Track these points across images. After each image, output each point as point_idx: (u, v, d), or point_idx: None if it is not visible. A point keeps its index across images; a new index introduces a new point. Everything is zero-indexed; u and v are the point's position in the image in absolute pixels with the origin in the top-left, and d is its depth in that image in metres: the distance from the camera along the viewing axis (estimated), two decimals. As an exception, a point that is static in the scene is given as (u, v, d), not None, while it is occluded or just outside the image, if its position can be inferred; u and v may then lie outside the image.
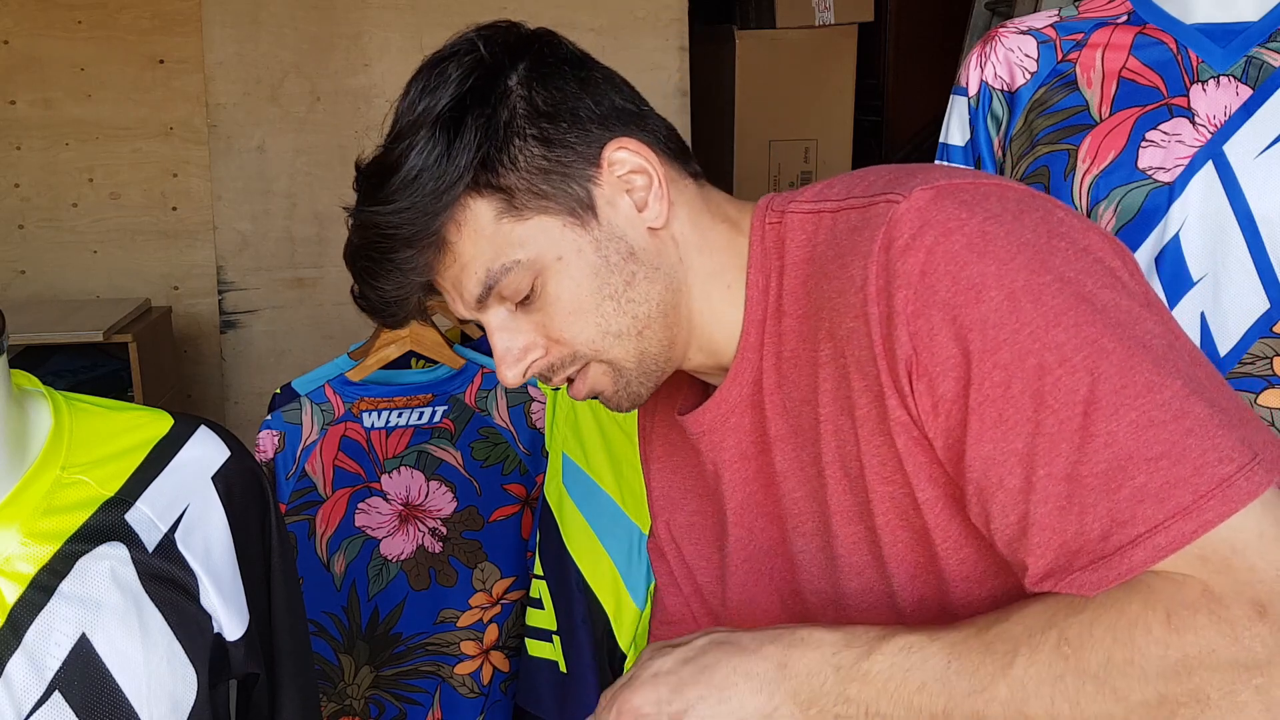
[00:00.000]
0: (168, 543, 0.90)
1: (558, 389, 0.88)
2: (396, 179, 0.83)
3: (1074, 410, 0.70)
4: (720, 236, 0.89)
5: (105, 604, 0.86)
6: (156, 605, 0.88)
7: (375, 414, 1.67)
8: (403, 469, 1.67)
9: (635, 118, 0.87)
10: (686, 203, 0.89)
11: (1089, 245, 0.76)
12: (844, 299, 0.79)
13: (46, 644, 0.83)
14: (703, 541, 1.00)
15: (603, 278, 0.85)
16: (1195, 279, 1.19)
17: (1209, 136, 1.18)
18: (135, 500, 0.89)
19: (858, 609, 0.86)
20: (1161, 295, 1.20)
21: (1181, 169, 1.18)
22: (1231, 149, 1.18)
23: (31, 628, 0.83)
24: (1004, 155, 1.31)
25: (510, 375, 0.87)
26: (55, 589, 0.84)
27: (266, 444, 1.65)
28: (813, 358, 0.83)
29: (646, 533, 1.58)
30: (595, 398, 0.90)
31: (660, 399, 1.02)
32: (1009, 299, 0.72)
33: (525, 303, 0.85)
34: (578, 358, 0.87)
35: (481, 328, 0.90)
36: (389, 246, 0.84)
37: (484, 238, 0.83)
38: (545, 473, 1.63)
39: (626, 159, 0.86)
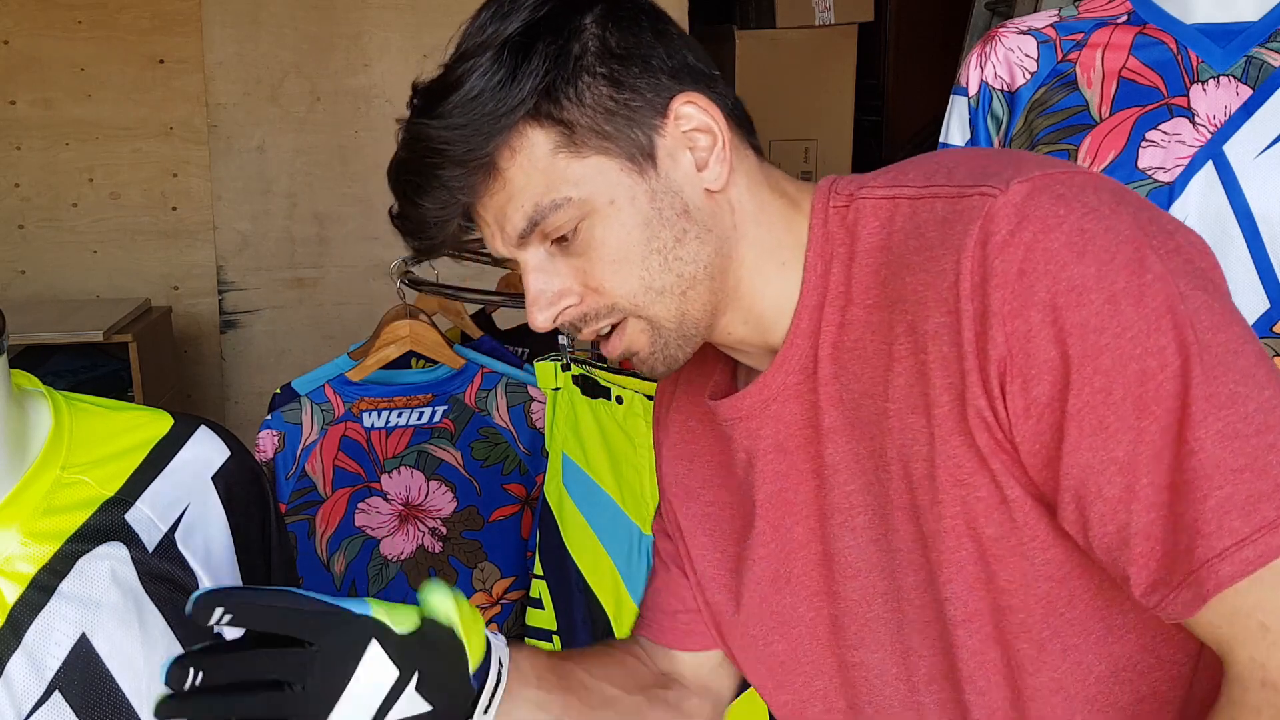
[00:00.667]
0: (168, 542, 0.90)
1: (588, 344, 0.85)
2: (456, 96, 0.80)
3: (1172, 418, 0.69)
4: (777, 212, 0.86)
5: (105, 604, 0.85)
6: (156, 605, 0.88)
7: (375, 414, 1.66)
8: (403, 469, 1.67)
9: (706, 79, 0.85)
10: (747, 171, 0.86)
11: (1179, 245, 0.74)
12: (930, 293, 0.77)
13: (46, 644, 0.83)
14: (718, 533, 0.98)
15: (653, 229, 0.82)
16: (1195, 279, 1.19)
17: (1209, 136, 1.18)
18: (135, 500, 0.89)
19: (912, 604, 0.84)
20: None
21: (1181, 169, 1.18)
22: (1231, 149, 1.18)
23: (31, 628, 0.83)
24: (1004, 155, 1.31)
25: (541, 318, 0.84)
26: (55, 589, 0.84)
27: (266, 444, 1.64)
28: (885, 351, 0.80)
29: (647, 533, 1.58)
30: (630, 358, 0.87)
31: (682, 382, 1.00)
32: (1110, 301, 0.70)
33: (566, 244, 0.82)
34: (615, 310, 0.84)
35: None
36: (437, 163, 0.81)
37: (537, 169, 0.80)
38: (545, 473, 1.63)
39: (693, 115, 0.83)
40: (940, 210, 0.78)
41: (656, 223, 0.82)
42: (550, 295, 0.84)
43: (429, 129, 0.80)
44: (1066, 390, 0.71)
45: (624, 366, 0.89)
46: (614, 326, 0.85)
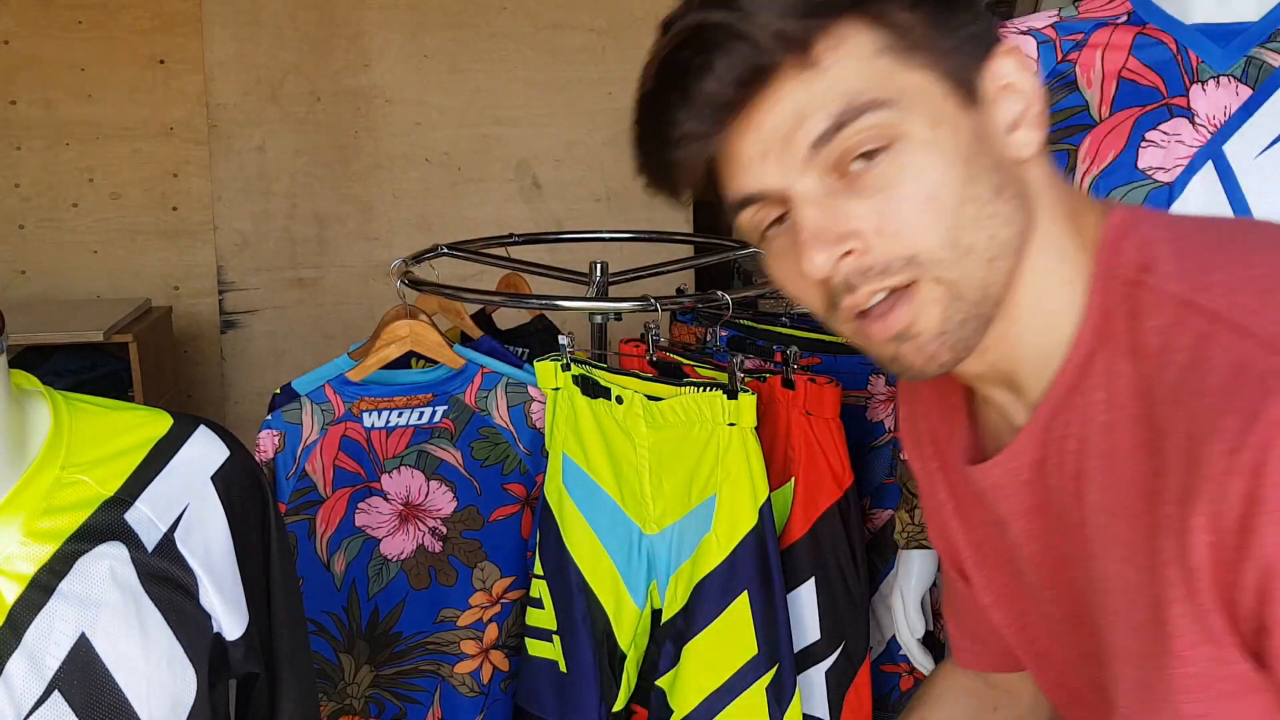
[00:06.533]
0: (167, 542, 0.90)
1: (859, 316, 0.73)
2: None
3: None
4: (1067, 219, 0.74)
5: (105, 603, 0.85)
6: (156, 605, 0.88)
7: (375, 414, 1.66)
8: (403, 469, 1.67)
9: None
10: (1045, 159, 0.75)
11: None
12: (1199, 448, 0.65)
13: (46, 643, 0.83)
14: (990, 567, 0.90)
15: (973, 172, 0.69)
16: (1195, 279, 1.19)
17: (1209, 136, 1.18)
18: (135, 500, 0.89)
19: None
20: (1161, 295, 1.20)
21: (1181, 169, 1.18)
22: (1231, 149, 1.17)
23: (31, 627, 0.83)
24: (1004, 155, 1.31)
25: (820, 259, 0.68)
26: (55, 588, 0.84)
27: (267, 444, 1.64)
28: (1146, 477, 0.69)
29: (647, 532, 1.58)
30: (898, 341, 0.72)
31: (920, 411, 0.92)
32: None
33: (857, 178, 0.68)
34: (912, 265, 0.69)
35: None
36: (750, 27, 0.67)
37: (858, 64, 0.68)
38: (545, 473, 1.63)
39: (1012, 71, 0.72)
40: (1238, 354, 0.65)
41: (976, 166, 0.69)
42: (835, 233, 0.69)
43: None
44: None
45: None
46: (896, 293, 0.70)
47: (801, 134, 0.68)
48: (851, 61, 0.68)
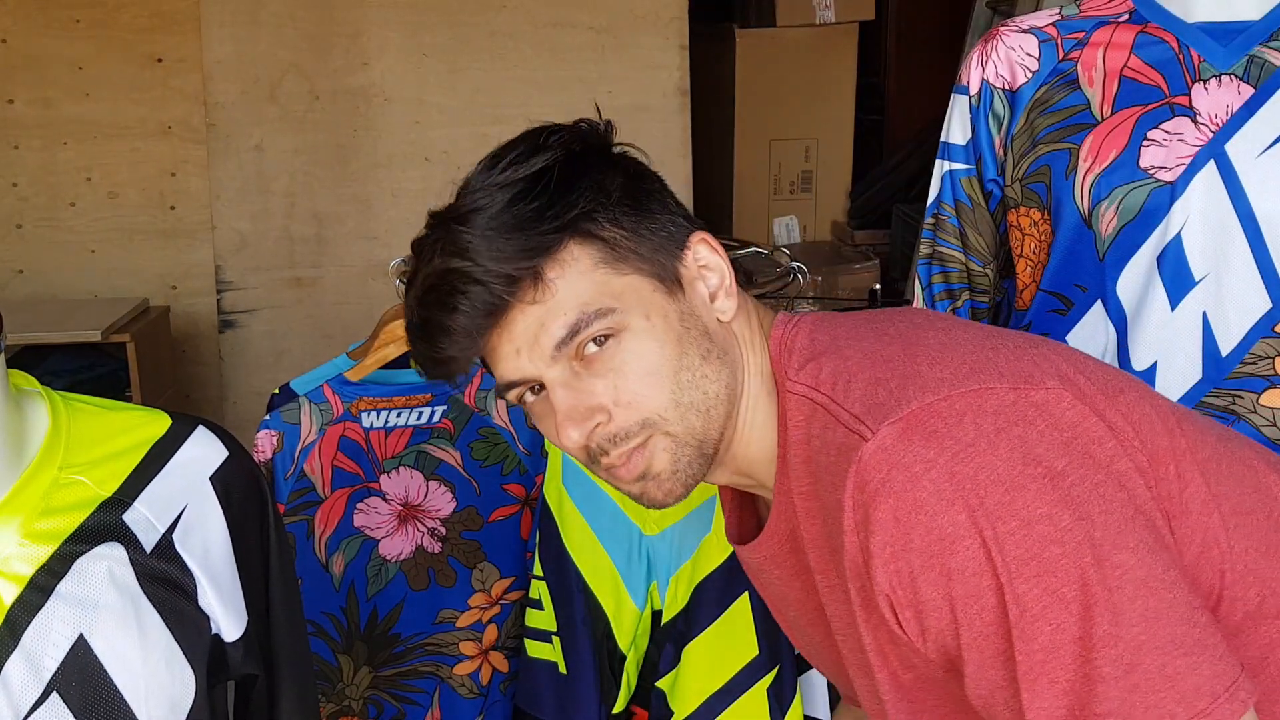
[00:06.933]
0: (165, 543, 0.89)
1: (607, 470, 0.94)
2: (504, 216, 0.86)
3: (1055, 656, 0.75)
4: (762, 345, 0.94)
5: (103, 605, 0.85)
6: (154, 606, 0.88)
7: (374, 414, 1.66)
8: (402, 469, 1.67)
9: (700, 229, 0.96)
10: (743, 305, 0.95)
11: (1065, 467, 0.77)
12: (836, 515, 0.83)
13: (44, 645, 0.83)
14: (788, 624, 1.10)
15: (684, 346, 0.88)
16: (1197, 278, 1.19)
17: (1211, 135, 1.18)
18: (133, 500, 0.89)
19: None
20: (1164, 296, 1.20)
21: (1183, 168, 1.18)
22: (1233, 148, 1.17)
23: (29, 628, 0.83)
24: (1005, 154, 1.31)
25: (575, 435, 0.87)
26: (53, 590, 0.84)
27: (265, 444, 1.64)
28: (824, 537, 0.87)
29: (647, 533, 1.58)
30: (645, 480, 0.91)
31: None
32: (982, 546, 0.76)
33: (592, 361, 0.87)
34: (645, 426, 0.88)
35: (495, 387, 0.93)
36: (482, 271, 0.85)
37: (583, 278, 0.86)
38: (545, 473, 1.63)
39: (706, 253, 0.93)
40: (837, 438, 0.83)
41: (686, 340, 0.88)
42: (583, 410, 0.87)
43: (475, 241, 0.86)
44: (957, 627, 0.78)
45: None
46: (641, 443, 0.89)
47: (545, 337, 0.86)
48: (576, 277, 0.86)
